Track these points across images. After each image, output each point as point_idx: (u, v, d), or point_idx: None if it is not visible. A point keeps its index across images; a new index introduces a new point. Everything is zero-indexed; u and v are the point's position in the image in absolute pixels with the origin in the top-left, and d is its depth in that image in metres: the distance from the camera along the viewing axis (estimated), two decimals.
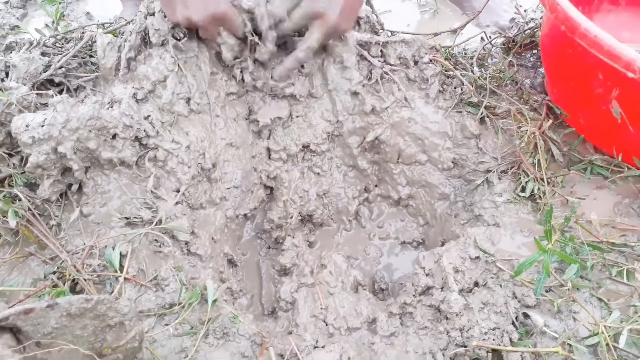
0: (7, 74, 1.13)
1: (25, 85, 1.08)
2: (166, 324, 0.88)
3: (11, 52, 1.21)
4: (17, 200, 0.98)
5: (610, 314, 0.85)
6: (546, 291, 0.89)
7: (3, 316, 0.58)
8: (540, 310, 0.88)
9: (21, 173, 1.03)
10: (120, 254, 0.92)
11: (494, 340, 0.83)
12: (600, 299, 0.89)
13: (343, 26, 1.04)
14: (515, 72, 1.30)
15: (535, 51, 1.39)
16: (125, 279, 0.90)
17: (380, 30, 1.20)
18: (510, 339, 0.84)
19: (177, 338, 0.86)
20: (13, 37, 1.28)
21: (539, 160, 1.09)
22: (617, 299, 0.89)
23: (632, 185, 1.08)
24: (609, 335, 0.81)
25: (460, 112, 1.19)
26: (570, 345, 0.82)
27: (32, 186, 1.04)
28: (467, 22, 1.43)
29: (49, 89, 1.14)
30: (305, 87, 1.15)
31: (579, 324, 0.85)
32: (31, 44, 1.21)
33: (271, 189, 1.23)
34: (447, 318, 0.90)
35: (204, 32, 1.03)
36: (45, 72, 1.14)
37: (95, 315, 0.65)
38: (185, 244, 1.01)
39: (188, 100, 1.07)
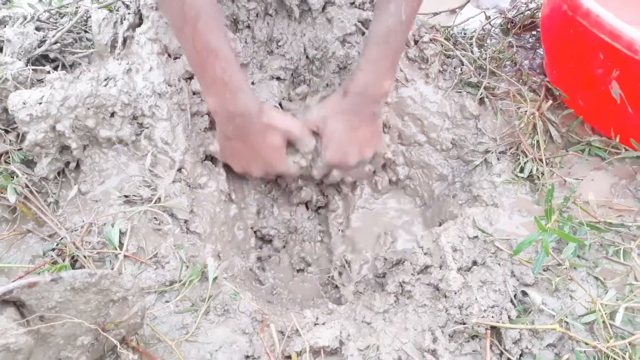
0: (0, 49, 1.11)
1: (20, 60, 1.06)
2: (167, 301, 0.88)
3: (4, 27, 1.18)
4: (15, 177, 0.97)
5: (606, 293, 0.87)
6: (544, 270, 0.90)
7: (7, 289, 0.58)
8: (538, 288, 0.89)
9: (18, 150, 1.01)
10: (120, 231, 0.91)
11: (492, 317, 0.84)
12: (596, 278, 0.90)
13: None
14: (514, 53, 1.29)
15: (534, 32, 1.39)
16: (125, 256, 0.89)
17: None
18: (509, 317, 0.85)
19: (177, 315, 0.86)
20: (6, 11, 1.25)
21: (537, 141, 1.09)
22: (613, 278, 0.91)
23: (629, 167, 1.09)
24: (605, 313, 0.82)
25: (460, 92, 1.18)
26: (567, 322, 0.83)
27: (29, 163, 1.03)
28: (467, 2, 1.43)
29: (44, 65, 1.12)
30: None
31: (575, 302, 0.86)
32: (25, 18, 1.19)
33: None
34: (445, 296, 0.90)
35: None
36: (40, 47, 1.13)
37: (98, 290, 0.65)
38: (185, 222, 1.01)
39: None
